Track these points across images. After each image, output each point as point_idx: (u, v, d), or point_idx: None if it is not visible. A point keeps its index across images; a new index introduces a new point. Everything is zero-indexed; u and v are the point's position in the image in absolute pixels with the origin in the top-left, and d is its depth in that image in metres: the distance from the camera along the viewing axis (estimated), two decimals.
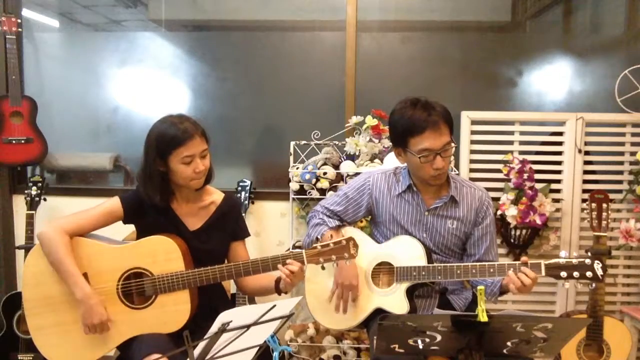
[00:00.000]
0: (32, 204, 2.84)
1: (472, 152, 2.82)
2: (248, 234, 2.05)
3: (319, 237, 1.94)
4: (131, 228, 1.99)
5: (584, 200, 2.73)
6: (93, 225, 1.87)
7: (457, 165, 2.81)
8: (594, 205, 2.46)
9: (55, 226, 1.81)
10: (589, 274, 1.72)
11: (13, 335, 2.76)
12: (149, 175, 1.85)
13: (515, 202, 2.65)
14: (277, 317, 1.39)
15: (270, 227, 3.05)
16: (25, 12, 3.17)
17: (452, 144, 1.88)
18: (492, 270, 1.82)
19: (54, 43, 3.31)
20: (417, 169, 1.91)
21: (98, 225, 1.88)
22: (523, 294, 1.78)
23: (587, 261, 1.72)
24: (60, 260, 1.77)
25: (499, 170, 2.73)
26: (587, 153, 2.80)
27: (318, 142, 2.88)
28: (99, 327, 1.77)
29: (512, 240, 2.74)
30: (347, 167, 2.76)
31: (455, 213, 1.97)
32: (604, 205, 2.45)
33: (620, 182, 2.81)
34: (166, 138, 1.80)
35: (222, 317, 1.28)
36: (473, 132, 2.81)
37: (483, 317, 1.41)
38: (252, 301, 2.58)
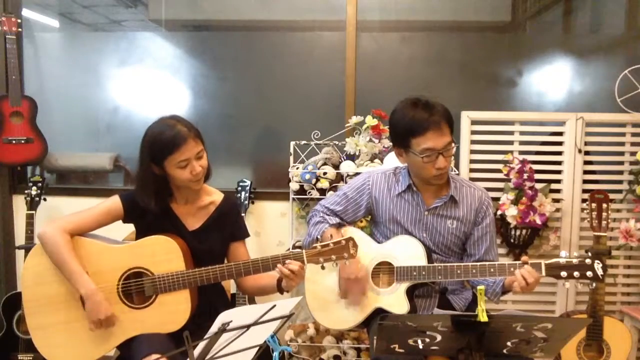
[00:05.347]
0: (32, 204, 2.84)
1: (472, 152, 2.82)
2: (248, 235, 2.04)
3: (319, 237, 1.95)
4: (130, 228, 1.99)
5: (584, 200, 2.73)
6: (93, 224, 1.87)
7: (457, 165, 2.81)
8: (594, 205, 2.46)
9: (56, 226, 1.81)
10: (589, 273, 1.72)
11: (13, 335, 2.76)
12: (144, 180, 1.85)
13: (515, 202, 2.65)
14: (277, 317, 1.39)
15: (270, 227, 3.04)
16: (25, 12, 3.17)
17: (454, 144, 1.88)
18: (492, 270, 1.82)
19: (54, 43, 3.31)
20: (420, 169, 1.90)
21: (98, 225, 1.88)
22: (525, 293, 1.79)
23: (588, 261, 1.73)
24: (64, 260, 1.77)
25: (499, 170, 2.73)
26: (587, 153, 2.80)
27: (318, 142, 2.88)
28: (105, 322, 1.78)
29: (512, 240, 2.74)
30: (347, 167, 2.76)
31: (455, 213, 1.97)
32: (604, 205, 2.45)
33: (620, 182, 2.80)
34: (159, 144, 1.78)
35: (222, 317, 1.28)
36: (473, 132, 2.81)
37: (483, 317, 1.41)
38: (252, 301, 2.58)
